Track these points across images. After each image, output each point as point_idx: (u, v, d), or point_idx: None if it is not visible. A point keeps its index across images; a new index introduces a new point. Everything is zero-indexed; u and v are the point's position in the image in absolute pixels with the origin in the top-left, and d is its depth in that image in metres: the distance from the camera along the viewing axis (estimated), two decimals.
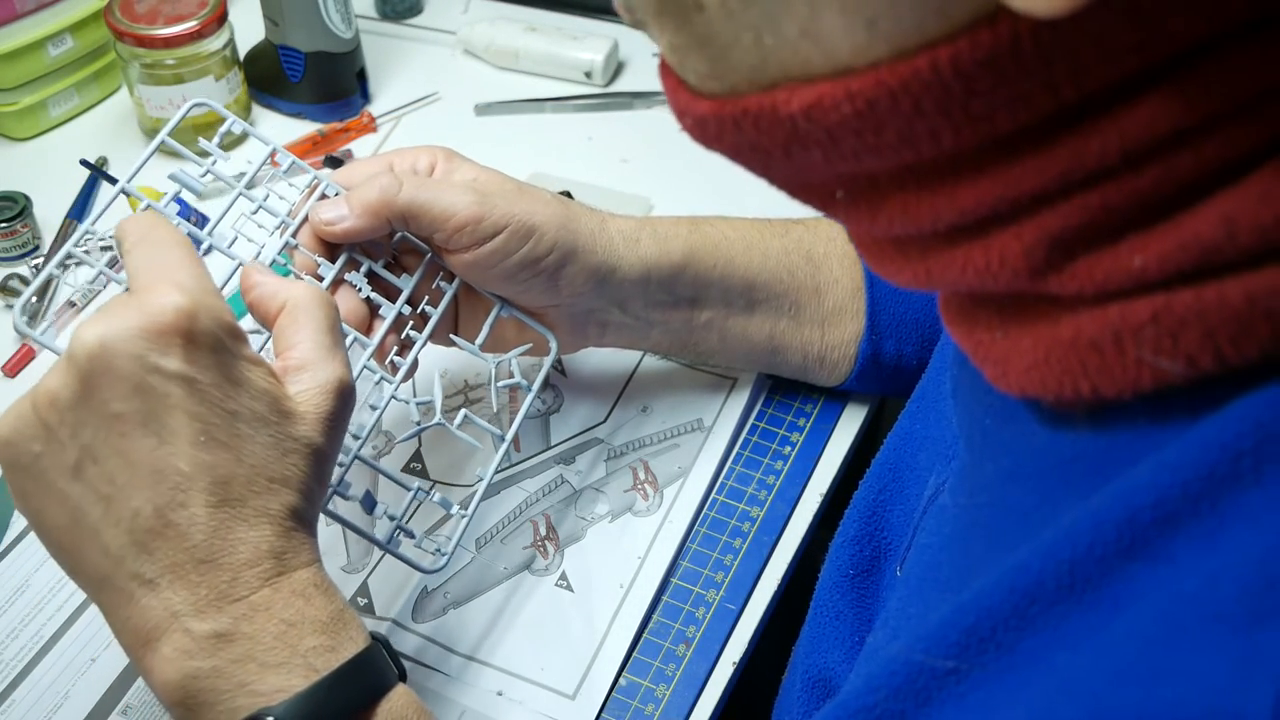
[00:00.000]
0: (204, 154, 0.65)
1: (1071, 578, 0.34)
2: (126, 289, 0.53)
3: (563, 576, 0.72)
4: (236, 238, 0.65)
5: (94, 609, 0.70)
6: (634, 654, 0.69)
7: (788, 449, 0.78)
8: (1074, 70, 0.30)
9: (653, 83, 1.06)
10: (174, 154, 0.66)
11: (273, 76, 1.02)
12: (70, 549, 0.50)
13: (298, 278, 0.65)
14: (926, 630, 0.37)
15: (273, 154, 0.68)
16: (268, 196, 0.67)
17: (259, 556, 0.50)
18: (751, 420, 0.80)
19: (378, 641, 0.53)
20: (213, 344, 0.49)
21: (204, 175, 0.65)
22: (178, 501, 0.48)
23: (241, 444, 0.50)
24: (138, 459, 0.48)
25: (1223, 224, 0.30)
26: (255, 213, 0.66)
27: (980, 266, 0.34)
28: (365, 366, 0.65)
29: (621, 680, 0.68)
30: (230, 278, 0.63)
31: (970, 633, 0.36)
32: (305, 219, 0.65)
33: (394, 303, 0.67)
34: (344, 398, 0.54)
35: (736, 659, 0.68)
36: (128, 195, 0.66)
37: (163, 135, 0.64)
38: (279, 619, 0.50)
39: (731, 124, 0.35)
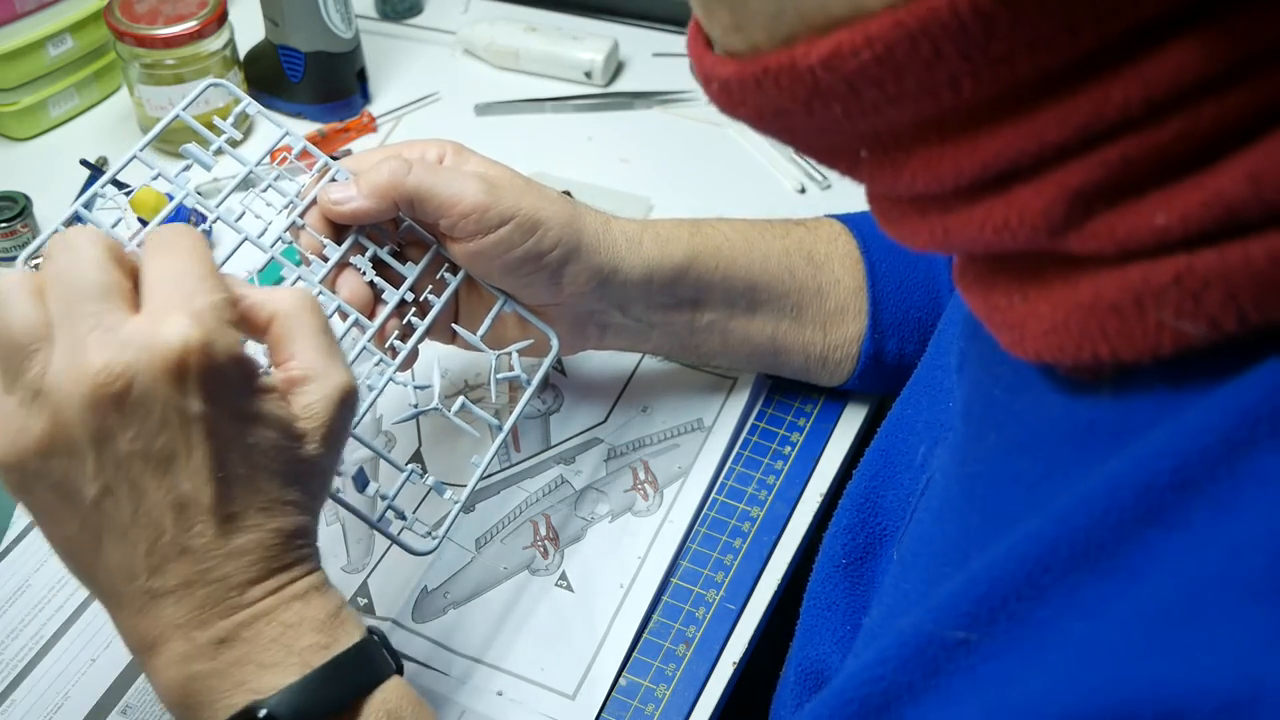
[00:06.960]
0: (217, 131, 0.66)
1: (1087, 545, 0.33)
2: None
3: (563, 576, 0.72)
4: (244, 213, 0.65)
5: (94, 609, 0.70)
6: (634, 654, 0.69)
7: (788, 449, 0.78)
8: (1094, 10, 0.29)
9: (653, 83, 1.06)
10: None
11: (273, 76, 1.02)
12: (83, 562, 0.51)
13: (304, 259, 0.65)
14: (935, 601, 0.37)
15: (284, 137, 0.68)
16: (278, 177, 0.67)
17: (267, 573, 0.51)
18: (751, 420, 0.80)
19: (374, 636, 0.54)
20: (229, 380, 0.49)
21: (215, 150, 0.65)
22: (195, 531, 0.49)
23: (257, 474, 0.50)
24: (159, 496, 0.48)
25: (1248, 181, 0.30)
26: (264, 190, 0.66)
27: (999, 224, 0.34)
28: (365, 348, 0.65)
29: (621, 680, 0.68)
30: (232, 253, 0.63)
31: (981, 602, 0.35)
32: (313, 202, 0.65)
33: (398, 289, 0.67)
34: (349, 405, 0.54)
35: (736, 659, 0.68)
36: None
37: (178, 110, 0.64)
38: (278, 623, 0.51)
39: (754, 84, 0.35)
